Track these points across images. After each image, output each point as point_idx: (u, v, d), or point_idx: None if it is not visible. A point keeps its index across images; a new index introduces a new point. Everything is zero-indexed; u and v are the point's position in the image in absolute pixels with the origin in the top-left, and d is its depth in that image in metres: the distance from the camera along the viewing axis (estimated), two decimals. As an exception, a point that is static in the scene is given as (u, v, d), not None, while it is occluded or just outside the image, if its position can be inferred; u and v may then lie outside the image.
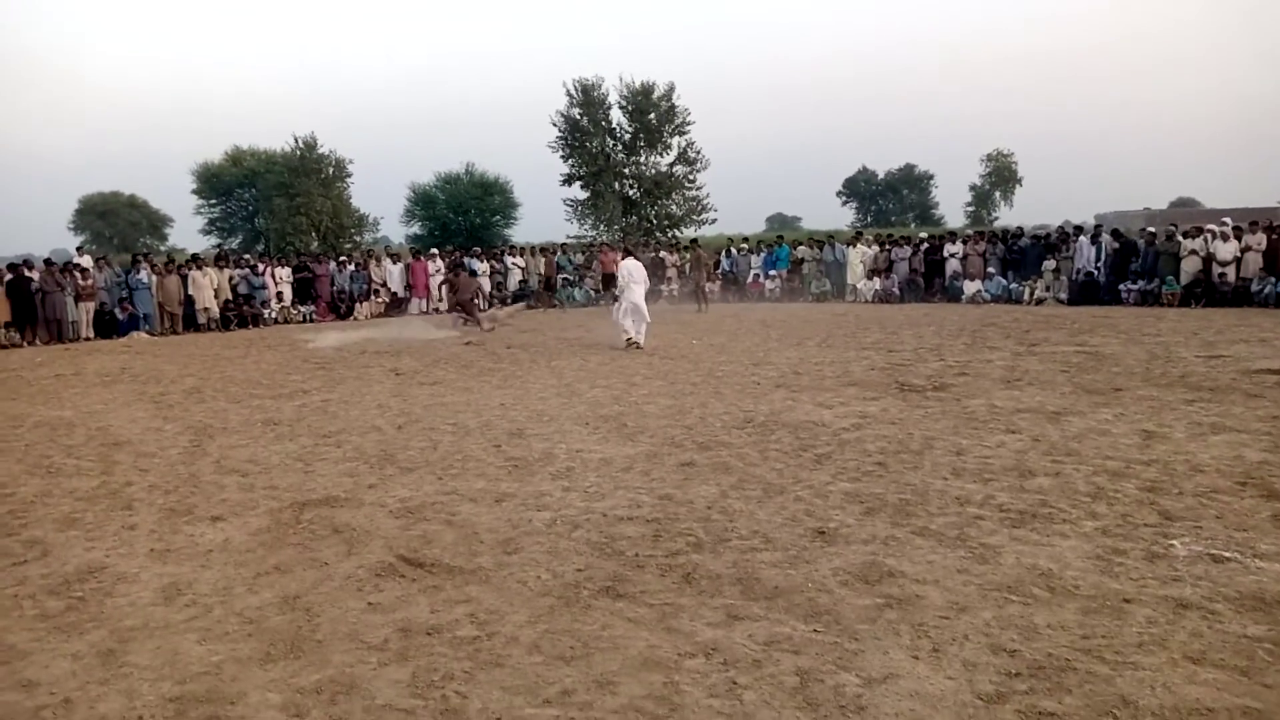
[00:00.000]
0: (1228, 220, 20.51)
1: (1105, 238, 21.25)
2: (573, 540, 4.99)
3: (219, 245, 44.23)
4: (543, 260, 26.39)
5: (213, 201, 47.19)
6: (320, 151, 42.47)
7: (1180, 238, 19.91)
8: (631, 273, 14.31)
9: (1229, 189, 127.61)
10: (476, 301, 20.32)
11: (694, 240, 24.38)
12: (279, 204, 41.80)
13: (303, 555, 4.93)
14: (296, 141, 42.00)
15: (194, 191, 46.72)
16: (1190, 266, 19.41)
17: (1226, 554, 4.43)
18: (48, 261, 20.34)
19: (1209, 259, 19.25)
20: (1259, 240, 18.93)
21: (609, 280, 24.29)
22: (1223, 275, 18.92)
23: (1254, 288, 18.41)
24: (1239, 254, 18.97)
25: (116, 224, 61.62)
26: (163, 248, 58.40)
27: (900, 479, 5.96)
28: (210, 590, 4.46)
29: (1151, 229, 21.71)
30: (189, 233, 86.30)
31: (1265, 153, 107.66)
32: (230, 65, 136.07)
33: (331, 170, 43.11)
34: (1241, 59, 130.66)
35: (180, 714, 3.25)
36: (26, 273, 18.62)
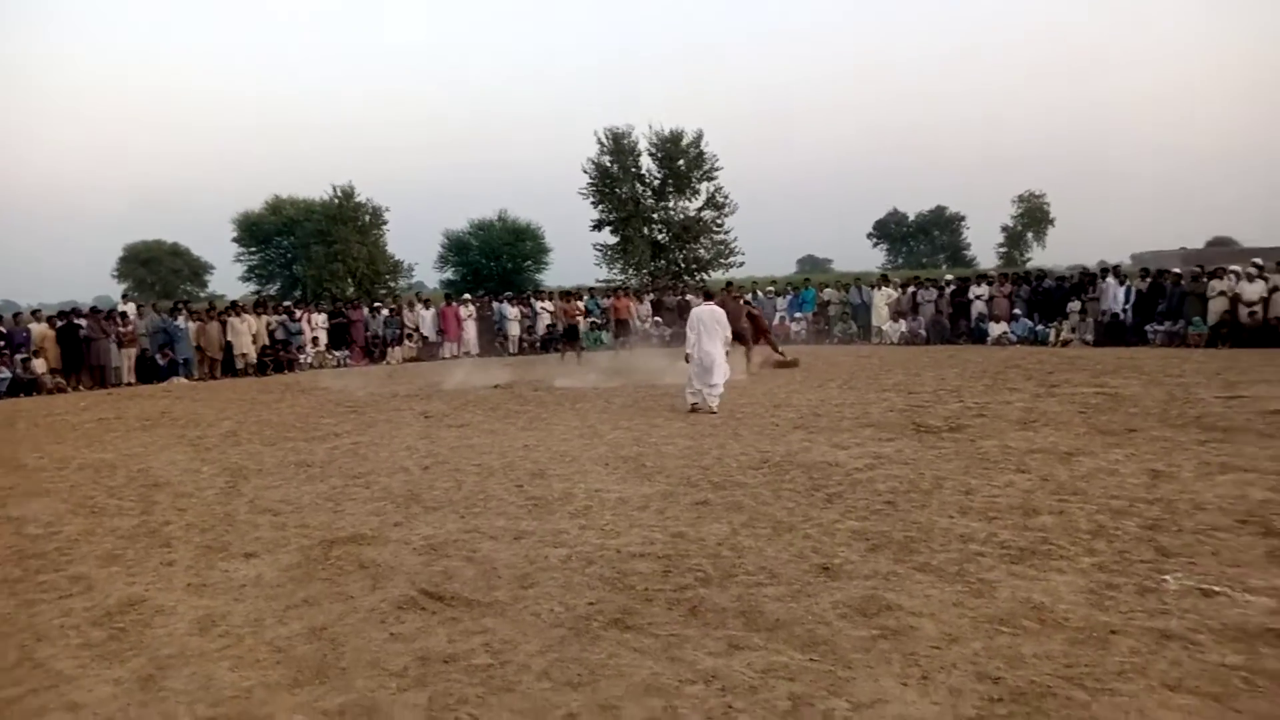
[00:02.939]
0: (1258, 260, 20.49)
1: (1134, 279, 21.28)
2: (586, 575, 5.21)
3: (257, 292, 45.26)
4: (558, 304, 26.40)
5: (252, 249, 48.33)
6: (357, 200, 43.59)
7: (1206, 278, 19.92)
8: (703, 320, 11.84)
9: (1268, 228, 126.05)
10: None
11: (729, 283, 24.69)
12: (317, 251, 42.84)
13: (330, 589, 5.19)
14: (335, 190, 43.21)
15: (234, 239, 47.93)
16: (1217, 307, 19.38)
17: (1217, 588, 4.55)
18: (93, 309, 21.07)
19: (1235, 299, 19.23)
20: (1286, 280, 18.87)
21: (621, 326, 24.67)
22: (1250, 315, 18.86)
23: (1281, 328, 18.33)
24: (1266, 294, 18.93)
25: (159, 271, 63.36)
26: (203, 294, 59.94)
27: (907, 517, 6.13)
28: (243, 622, 4.73)
29: (1178, 270, 21.71)
30: (229, 279, 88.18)
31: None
32: (271, 114, 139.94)
33: (368, 218, 44.24)
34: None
35: (214, 733, 3.50)
36: (75, 320, 19.32)
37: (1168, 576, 4.75)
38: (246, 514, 7.13)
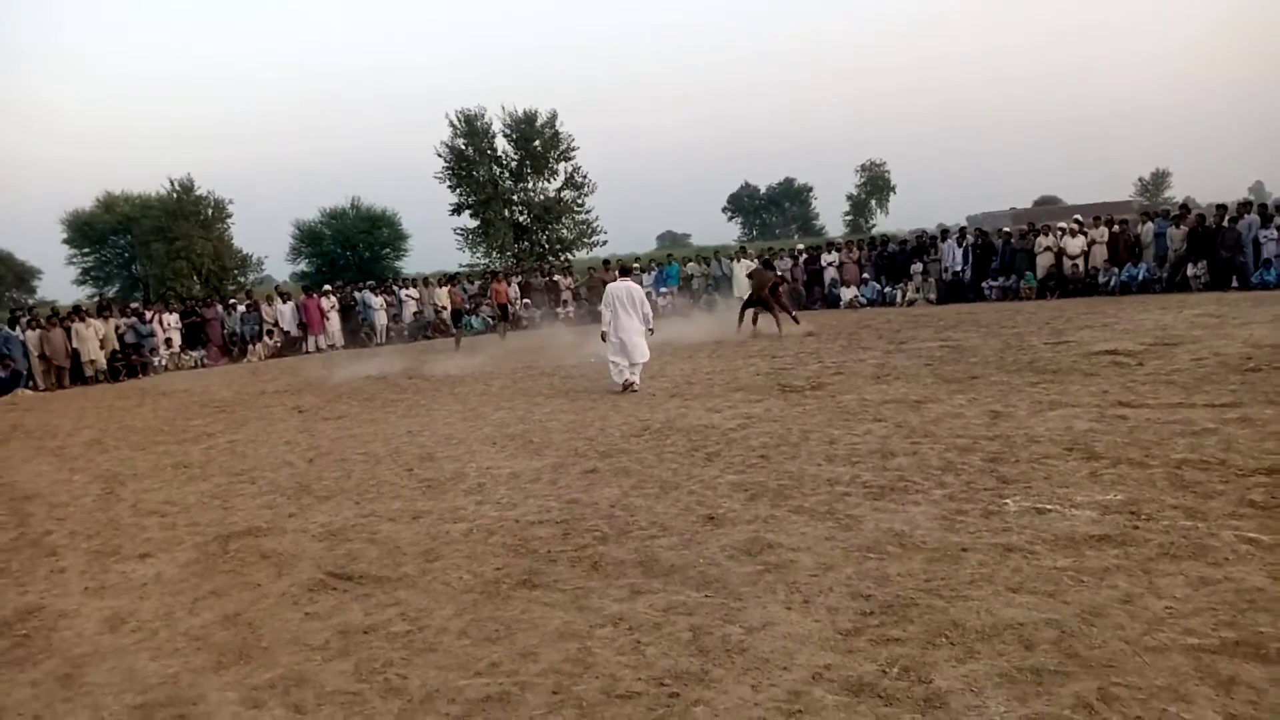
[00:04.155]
0: (1078, 217, 22.35)
1: (968, 238, 22.83)
2: (489, 545, 5.48)
3: (96, 295, 42.76)
4: (444, 291, 26.21)
5: (85, 250, 45.60)
6: (198, 193, 41.66)
7: (1034, 235, 21.59)
8: (619, 297, 11.33)
9: (1088, 186, 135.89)
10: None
11: (605, 261, 25.05)
12: (157, 249, 40.81)
13: (236, 580, 5.29)
14: (172, 184, 41.16)
15: (65, 241, 45.08)
16: (1044, 262, 21.05)
17: (1049, 507, 5.23)
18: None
19: (1060, 254, 20.92)
20: (1102, 234, 20.68)
21: (503, 311, 24.66)
22: (1073, 268, 20.57)
23: (1100, 278, 20.09)
24: (1086, 248, 20.68)
25: (-21, 280, 58.81)
26: (31, 301, 55.99)
27: (780, 468, 6.65)
28: (152, 617, 4.79)
29: (1008, 229, 23.41)
30: (61, 284, 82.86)
31: (1116, 151, 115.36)
32: (98, 108, 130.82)
33: (211, 211, 42.32)
34: (1101, 65, 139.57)
35: (147, 717, 3.63)
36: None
37: (1008, 500, 5.40)
38: (131, 518, 7.04)
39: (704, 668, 3.58)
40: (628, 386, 11.11)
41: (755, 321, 17.07)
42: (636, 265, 28.05)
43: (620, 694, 3.44)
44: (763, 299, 16.75)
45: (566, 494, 6.51)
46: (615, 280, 11.98)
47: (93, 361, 20.14)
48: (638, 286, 11.67)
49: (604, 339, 11.45)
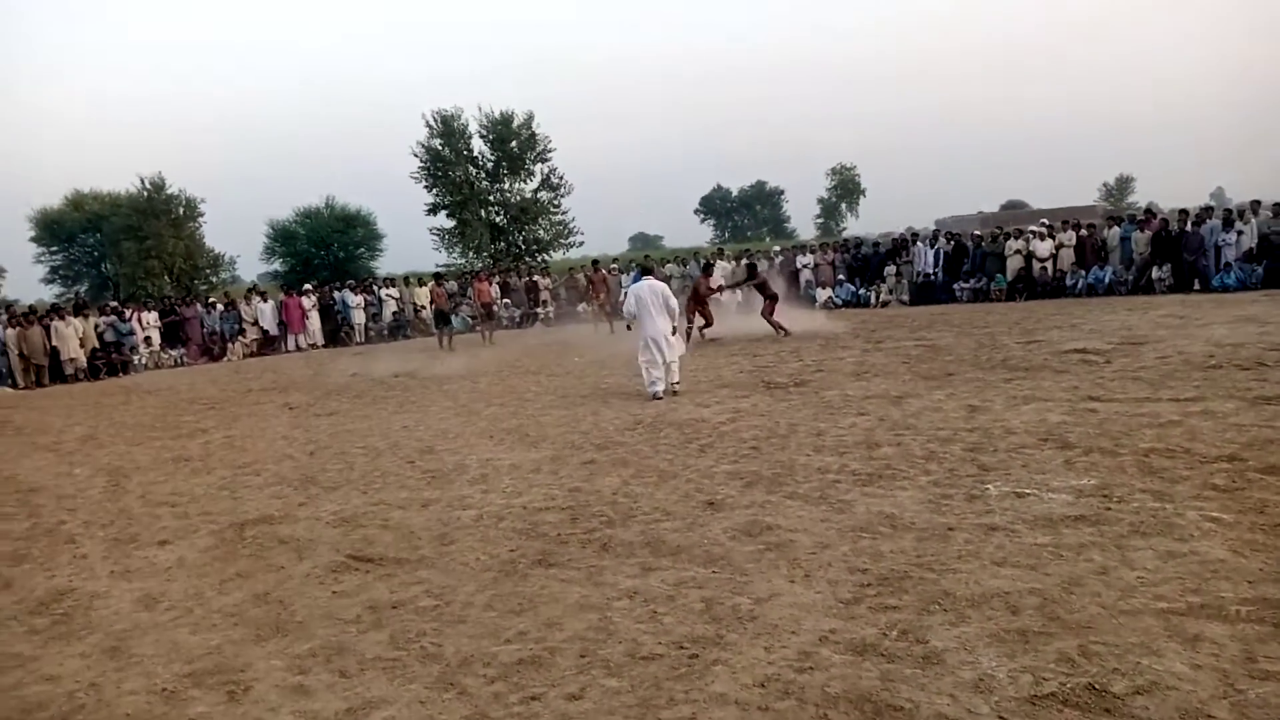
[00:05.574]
0: (1045, 221, 22.94)
1: (940, 241, 23.37)
2: (500, 529, 5.77)
3: (69, 293, 42.31)
4: (424, 291, 26.11)
5: (54, 249, 45.19)
6: (169, 192, 41.38)
7: (1004, 239, 22.15)
8: (641, 297, 10.59)
9: (1053, 191, 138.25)
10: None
11: (595, 261, 25.22)
12: (128, 248, 40.48)
13: (259, 563, 5.53)
14: (143, 182, 40.83)
15: (33, 239, 44.63)
16: (1014, 264, 21.58)
17: (1028, 491, 5.59)
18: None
19: (1030, 257, 21.48)
20: (1070, 238, 21.25)
21: (487, 310, 24.70)
22: (1042, 270, 21.13)
23: (1068, 281, 20.66)
24: (1054, 251, 21.26)
25: (-62, 280, 57.81)
26: (-8, 300, 55.20)
27: (772, 458, 6.99)
28: (183, 597, 5.03)
29: (979, 232, 23.98)
30: (28, 282, 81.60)
31: (1081, 156, 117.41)
32: (68, 102, 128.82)
33: (182, 210, 42.02)
34: (1071, 71, 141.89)
35: (199, 684, 3.89)
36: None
37: (989, 486, 5.76)
38: (142, 508, 7.24)
39: (718, 633, 3.89)
40: (670, 391, 10.42)
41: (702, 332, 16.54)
42: (615, 265, 28.32)
43: (644, 656, 3.74)
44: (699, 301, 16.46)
45: (569, 483, 6.80)
46: (641, 281, 11.09)
47: (73, 360, 20.11)
48: (661, 284, 11.05)
49: (628, 328, 11.19)
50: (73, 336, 20.15)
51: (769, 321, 16.61)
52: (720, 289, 18.41)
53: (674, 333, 10.63)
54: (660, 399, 10.21)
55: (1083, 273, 20.46)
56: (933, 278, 22.78)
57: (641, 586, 4.53)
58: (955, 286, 22.26)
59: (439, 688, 3.63)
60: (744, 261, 22.76)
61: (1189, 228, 19.34)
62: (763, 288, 17.20)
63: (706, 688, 3.42)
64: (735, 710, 3.24)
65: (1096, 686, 3.17)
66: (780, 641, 3.76)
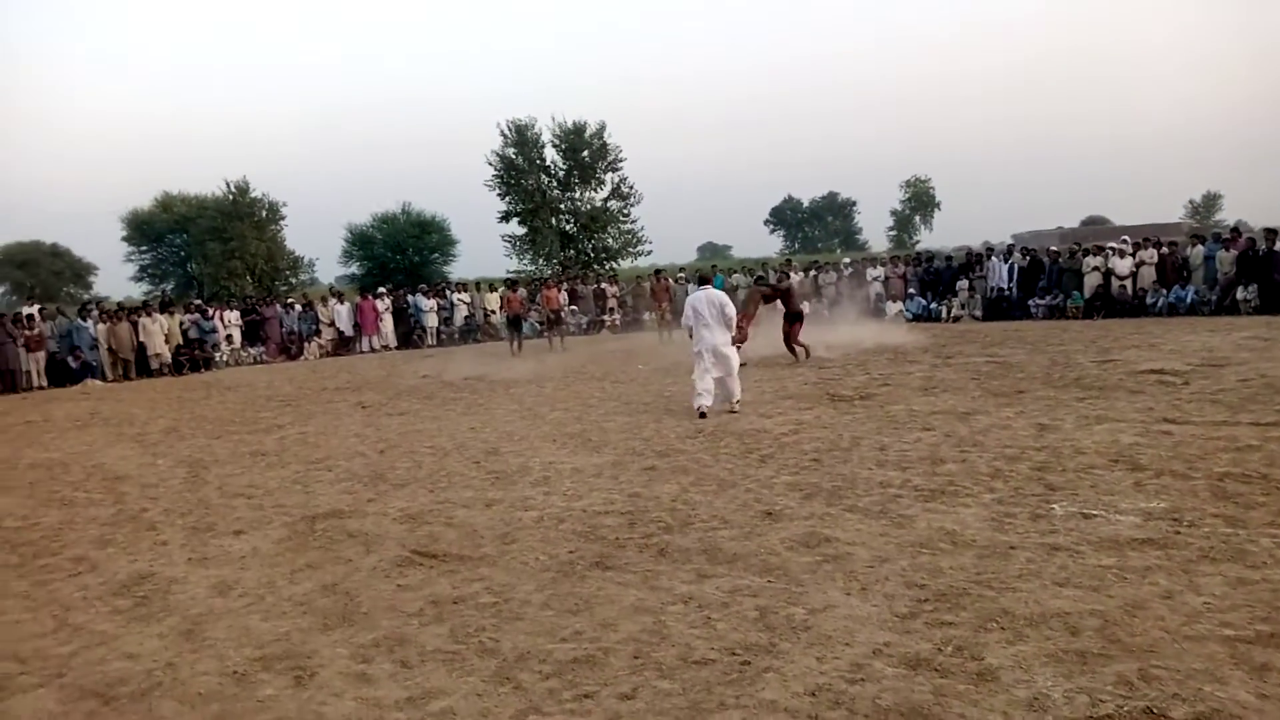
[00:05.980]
0: (1126, 238, 22.34)
1: (1016, 256, 22.93)
2: (560, 531, 5.86)
3: (158, 292, 43.99)
4: (494, 296, 26.49)
5: (143, 249, 47.02)
6: (253, 195, 42.76)
7: (1082, 255, 21.63)
8: (697, 308, 10.17)
9: (1137, 207, 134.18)
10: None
11: (657, 270, 25.35)
12: (212, 248, 41.90)
13: (327, 555, 5.72)
14: (228, 186, 42.27)
15: (124, 238, 46.52)
16: (1092, 281, 21.05)
17: (1094, 512, 5.49)
18: (-7, 313, 20.55)
19: (1108, 274, 20.94)
20: (1151, 255, 20.67)
21: (555, 316, 24.86)
22: (1121, 289, 20.59)
23: (1149, 299, 20.08)
24: (1135, 269, 20.69)
25: (38, 273, 60.44)
26: (87, 296, 57.60)
27: (833, 470, 6.97)
28: (256, 585, 5.23)
29: (1056, 248, 23.46)
30: (118, 280, 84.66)
31: (1167, 172, 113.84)
32: (159, 110, 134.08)
33: (265, 213, 43.38)
34: (1148, 85, 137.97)
35: (268, 668, 4.05)
36: (-24, 325, 18.85)
37: (1055, 505, 5.67)
38: (219, 499, 7.52)
39: (771, 641, 3.92)
40: (728, 410, 10.01)
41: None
42: (682, 274, 28.37)
43: (696, 660, 3.79)
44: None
45: (628, 488, 6.87)
46: (696, 290, 10.66)
47: (158, 355, 20.93)
48: (719, 293, 10.46)
49: (690, 335, 10.45)
50: (158, 333, 20.97)
51: (787, 345, 14.76)
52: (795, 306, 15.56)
53: (731, 343, 10.24)
54: (705, 416, 9.73)
55: (1164, 292, 19.87)
56: (1007, 293, 22.35)
57: (696, 592, 4.57)
58: (1030, 303, 21.79)
59: (495, 681, 3.72)
60: (757, 274, 21.44)
61: (1277, 247, 18.65)
62: (787, 301, 14.99)
63: (757, 694, 3.45)
64: (785, 717, 3.27)
65: (1155, 710, 3.12)
66: (833, 652, 3.77)
